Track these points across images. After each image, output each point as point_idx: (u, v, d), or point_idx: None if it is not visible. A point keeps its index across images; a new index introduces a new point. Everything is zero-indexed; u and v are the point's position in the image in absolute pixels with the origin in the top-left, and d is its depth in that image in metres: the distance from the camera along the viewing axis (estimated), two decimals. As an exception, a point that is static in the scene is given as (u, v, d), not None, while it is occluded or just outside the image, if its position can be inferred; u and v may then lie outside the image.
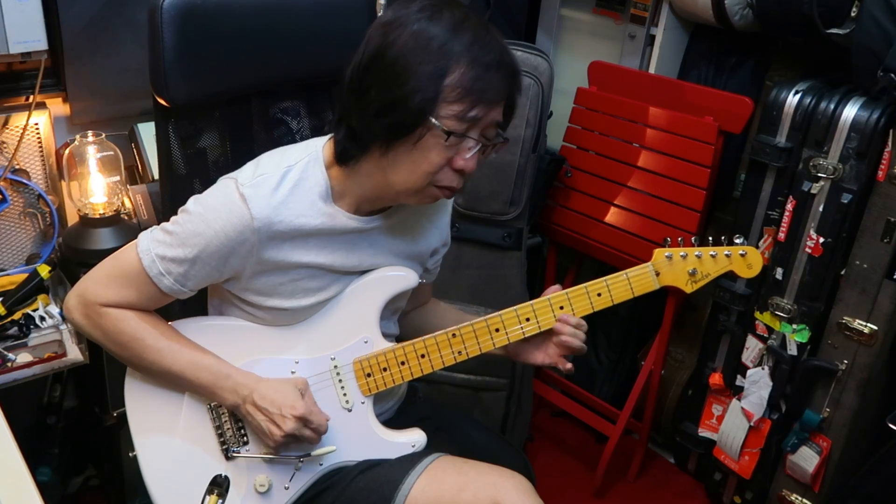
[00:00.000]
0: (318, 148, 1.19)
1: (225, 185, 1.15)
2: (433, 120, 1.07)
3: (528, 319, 1.25)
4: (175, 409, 1.24)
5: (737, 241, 1.28)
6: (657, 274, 1.25)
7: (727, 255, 1.27)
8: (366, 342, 1.25)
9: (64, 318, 1.70)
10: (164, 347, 1.19)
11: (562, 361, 1.27)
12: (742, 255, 1.27)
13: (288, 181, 1.15)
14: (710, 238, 1.29)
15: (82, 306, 1.19)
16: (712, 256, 1.26)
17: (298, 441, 1.19)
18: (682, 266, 1.26)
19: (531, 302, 1.24)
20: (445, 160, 1.11)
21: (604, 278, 1.25)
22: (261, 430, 1.19)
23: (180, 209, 1.17)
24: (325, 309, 1.24)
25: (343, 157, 1.15)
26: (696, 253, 1.26)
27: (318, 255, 1.19)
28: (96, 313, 1.18)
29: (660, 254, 1.26)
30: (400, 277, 1.26)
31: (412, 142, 1.09)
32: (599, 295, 1.25)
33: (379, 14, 2.09)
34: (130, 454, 1.26)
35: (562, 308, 1.24)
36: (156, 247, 1.15)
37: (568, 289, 1.24)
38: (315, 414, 1.19)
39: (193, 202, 1.16)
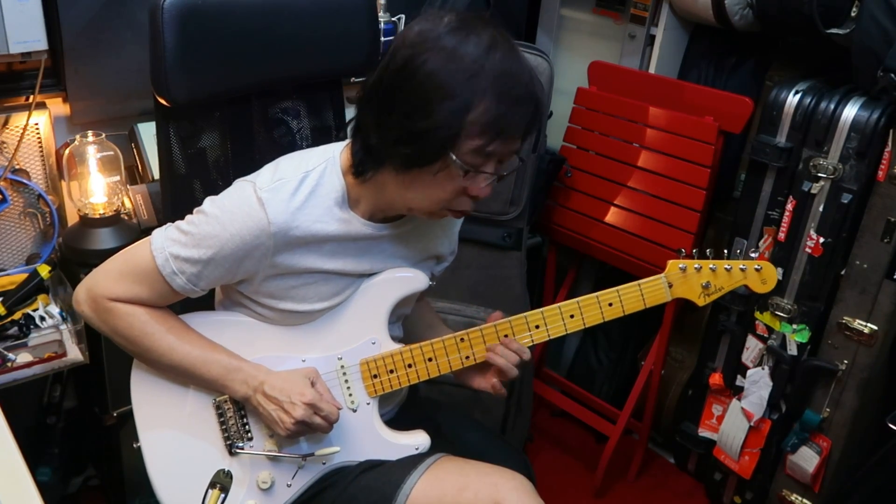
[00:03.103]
0: (335, 153, 1.19)
1: (242, 189, 1.15)
2: (453, 156, 1.07)
3: (537, 327, 1.24)
4: (180, 402, 1.25)
5: (752, 255, 1.25)
6: (670, 286, 1.24)
7: (742, 269, 1.25)
8: (373, 343, 1.25)
9: (64, 318, 1.70)
10: (173, 341, 1.19)
11: (496, 386, 1.28)
12: (757, 270, 1.25)
13: (305, 186, 1.15)
14: (725, 252, 1.28)
15: (91, 300, 1.19)
16: (727, 270, 1.24)
17: (309, 429, 1.19)
18: (695, 279, 1.24)
19: (541, 309, 1.23)
20: (461, 189, 1.12)
21: (616, 288, 1.23)
22: (271, 420, 1.18)
23: (196, 209, 1.17)
24: (334, 308, 1.24)
25: (359, 169, 1.15)
26: (711, 266, 1.24)
27: (331, 261, 1.19)
28: (105, 308, 1.18)
29: (673, 265, 1.24)
30: (410, 279, 1.26)
31: (429, 172, 1.10)
32: (611, 305, 1.23)
33: (379, 14, 2.09)
34: (135, 445, 1.26)
35: (572, 317, 1.23)
36: (170, 245, 1.15)
37: (579, 297, 1.23)
38: (325, 401, 1.18)
39: (210, 203, 1.16)
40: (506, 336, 1.23)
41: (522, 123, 1.09)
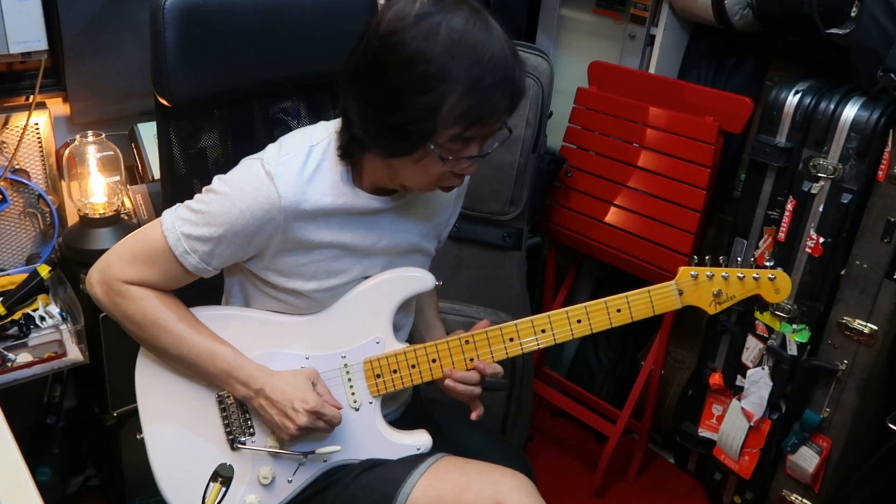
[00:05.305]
0: (336, 129, 1.20)
1: (250, 165, 1.16)
2: (431, 146, 1.07)
3: (543, 331, 1.23)
4: (184, 395, 1.25)
5: (767, 264, 1.23)
6: (680, 293, 1.22)
7: (755, 278, 1.22)
8: (377, 343, 1.25)
9: (64, 318, 1.70)
10: (182, 332, 1.19)
11: (474, 404, 1.29)
12: (771, 279, 1.22)
13: (312, 160, 1.16)
14: (739, 259, 1.26)
15: (104, 283, 1.19)
16: (740, 278, 1.22)
17: (312, 432, 1.20)
18: (707, 287, 1.22)
19: (548, 314, 1.23)
20: (446, 170, 1.12)
21: (625, 294, 1.22)
22: (274, 424, 1.19)
23: (205, 188, 1.17)
24: (339, 305, 1.24)
25: (344, 151, 1.16)
26: (723, 274, 1.22)
27: (339, 234, 1.19)
28: (118, 291, 1.18)
29: (685, 272, 1.22)
30: (416, 279, 1.26)
31: (411, 160, 1.10)
32: (619, 311, 1.21)
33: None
34: (138, 436, 1.26)
35: (579, 322, 1.22)
36: (181, 225, 1.15)
37: (587, 302, 1.22)
38: (327, 406, 1.19)
39: (219, 182, 1.16)
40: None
41: (500, 107, 1.08)
